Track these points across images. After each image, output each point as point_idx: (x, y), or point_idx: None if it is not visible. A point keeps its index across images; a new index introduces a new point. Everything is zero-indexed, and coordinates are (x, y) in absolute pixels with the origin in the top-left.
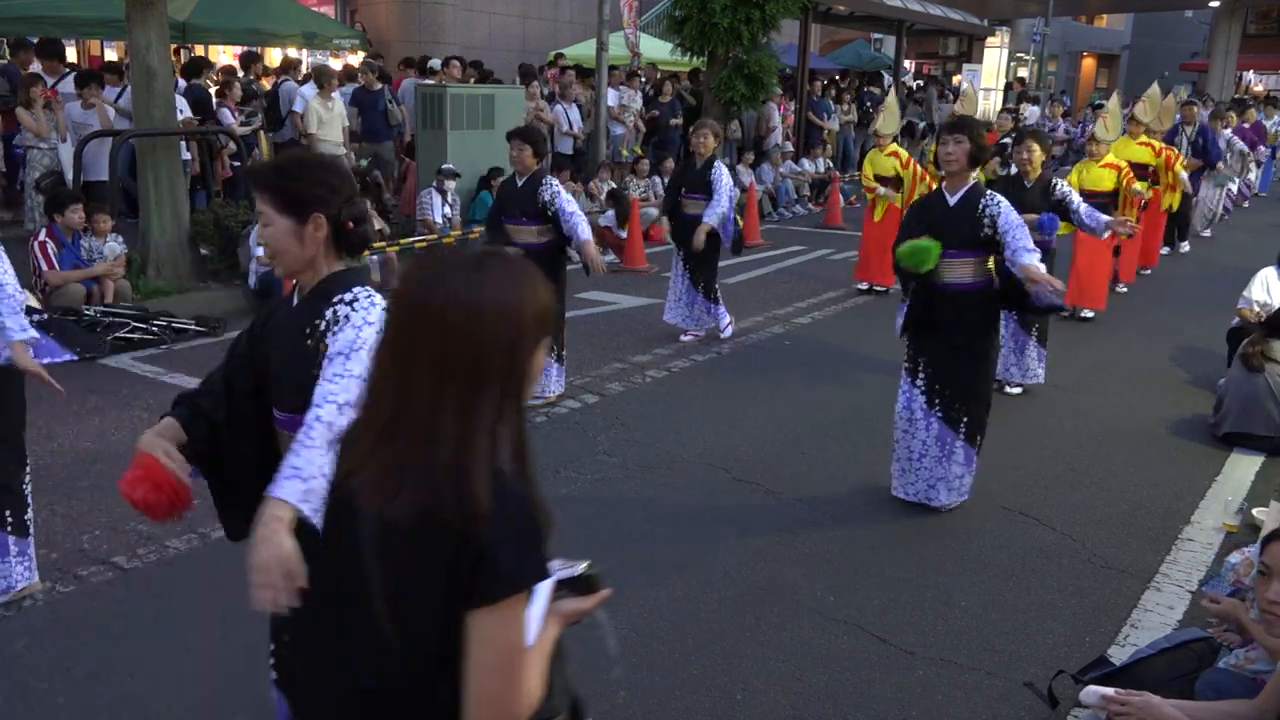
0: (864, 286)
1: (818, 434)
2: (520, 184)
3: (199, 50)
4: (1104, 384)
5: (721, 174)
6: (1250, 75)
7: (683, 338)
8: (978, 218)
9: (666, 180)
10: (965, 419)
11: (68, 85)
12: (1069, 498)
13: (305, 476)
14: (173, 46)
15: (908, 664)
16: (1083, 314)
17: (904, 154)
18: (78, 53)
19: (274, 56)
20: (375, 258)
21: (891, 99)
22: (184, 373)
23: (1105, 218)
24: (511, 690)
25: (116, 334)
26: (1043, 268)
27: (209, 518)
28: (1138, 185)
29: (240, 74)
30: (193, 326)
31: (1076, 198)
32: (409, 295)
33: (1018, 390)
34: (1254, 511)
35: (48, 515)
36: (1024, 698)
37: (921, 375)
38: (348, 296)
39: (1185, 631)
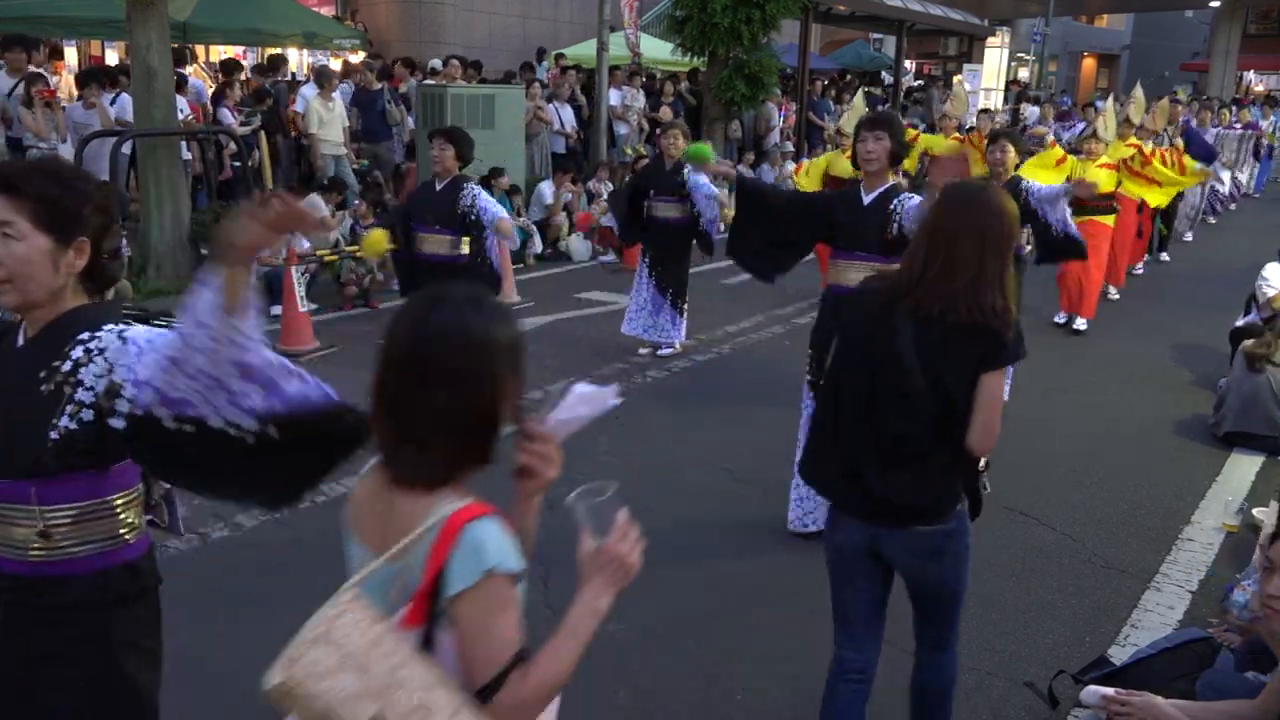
0: None
1: None
2: (439, 188)
3: (200, 51)
4: (1104, 384)
5: (698, 177)
6: (1250, 75)
7: (641, 351)
8: (888, 217)
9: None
10: None
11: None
12: (1069, 498)
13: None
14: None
15: (908, 664)
16: (1076, 325)
17: None
18: (78, 53)
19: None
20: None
21: (859, 99)
22: None
23: (1060, 193)
24: (998, 418)
25: None
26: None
27: (209, 517)
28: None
29: (270, 75)
30: None
31: (1039, 197)
32: (959, 209)
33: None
34: (1254, 511)
35: None
36: (1024, 698)
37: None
38: (90, 341)
39: (1185, 631)
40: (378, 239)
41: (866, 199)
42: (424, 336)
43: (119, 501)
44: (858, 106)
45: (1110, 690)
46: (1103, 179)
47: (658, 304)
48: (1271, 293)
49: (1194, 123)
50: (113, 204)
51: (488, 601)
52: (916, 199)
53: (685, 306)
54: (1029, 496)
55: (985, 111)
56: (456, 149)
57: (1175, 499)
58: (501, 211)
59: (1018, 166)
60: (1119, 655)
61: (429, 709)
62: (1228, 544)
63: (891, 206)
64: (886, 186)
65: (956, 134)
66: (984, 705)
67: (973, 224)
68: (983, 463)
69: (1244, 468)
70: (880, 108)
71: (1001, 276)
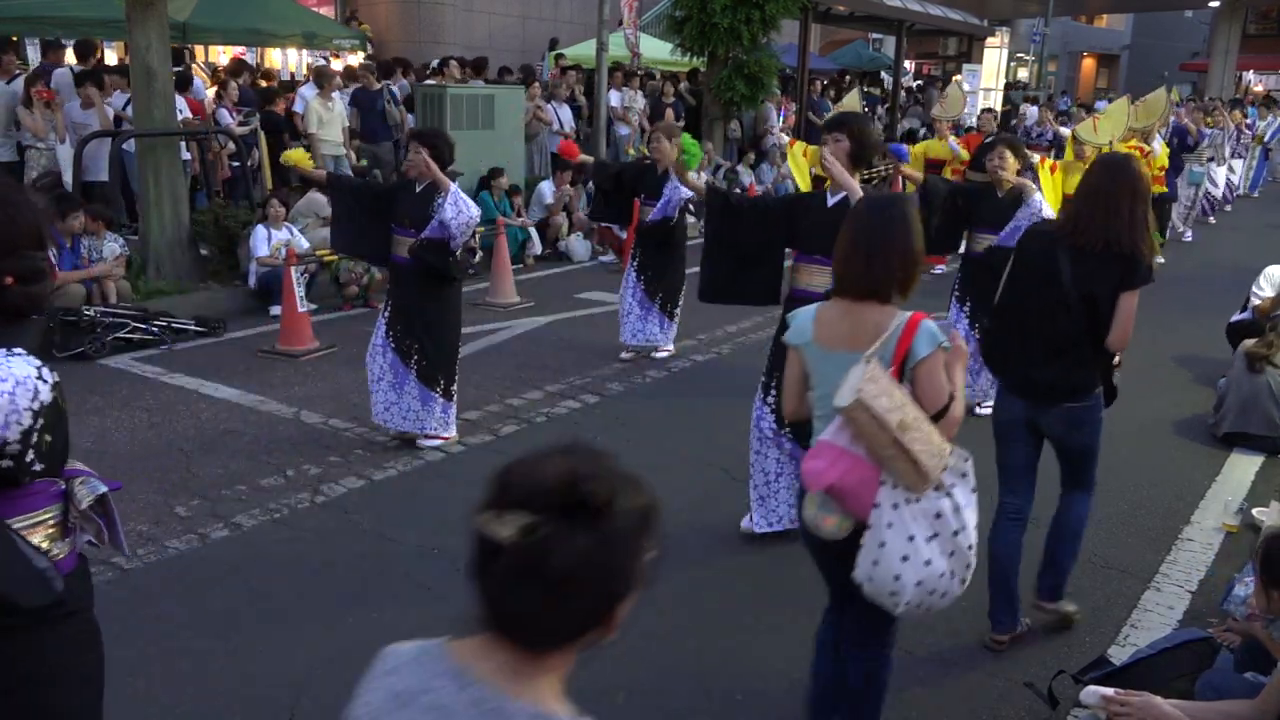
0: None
1: None
2: (418, 190)
3: (200, 51)
4: None
5: (674, 183)
6: (1250, 75)
7: (623, 355)
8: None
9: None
10: None
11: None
12: None
13: None
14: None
15: (908, 664)
16: None
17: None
18: (78, 53)
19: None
20: None
21: (853, 95)
22: (184, 373)
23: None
24: (1132, 325)
25: (116, 334)
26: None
27: (209, 517)
28: None
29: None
30: (192, 327)
31: (1031, 213)
32: (1113, 173)
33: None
34: (1254, 511)
35: None
36: (1024, 698)
37: (773, 392)
38: None
39: (1185, 631)
40: (297, 155)
41: (830, 201)
42: (885, 212)
43: (16, 525)
44: (850, 102)
45: (1110, 690)
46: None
47: (646, 308)
48: (1258, 300)
49: (1186, 122)
50: (12, 228)
51: (937, 363)
52: None
53: (677, 311)
54: None
55: (988, 111)
56: (432, 151)
57: (1175, 499)
58: (474, 212)
59: (1020, 173)
60: (1119, 655)
61: (921, 419)
62: (1228, 544)
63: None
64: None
65: (953, 135)
66: (984, 705)
67: (1125, 184)
68: (1116, 359)
69: (1244, 468)
70: (879, 108)
71: (1146, 220)
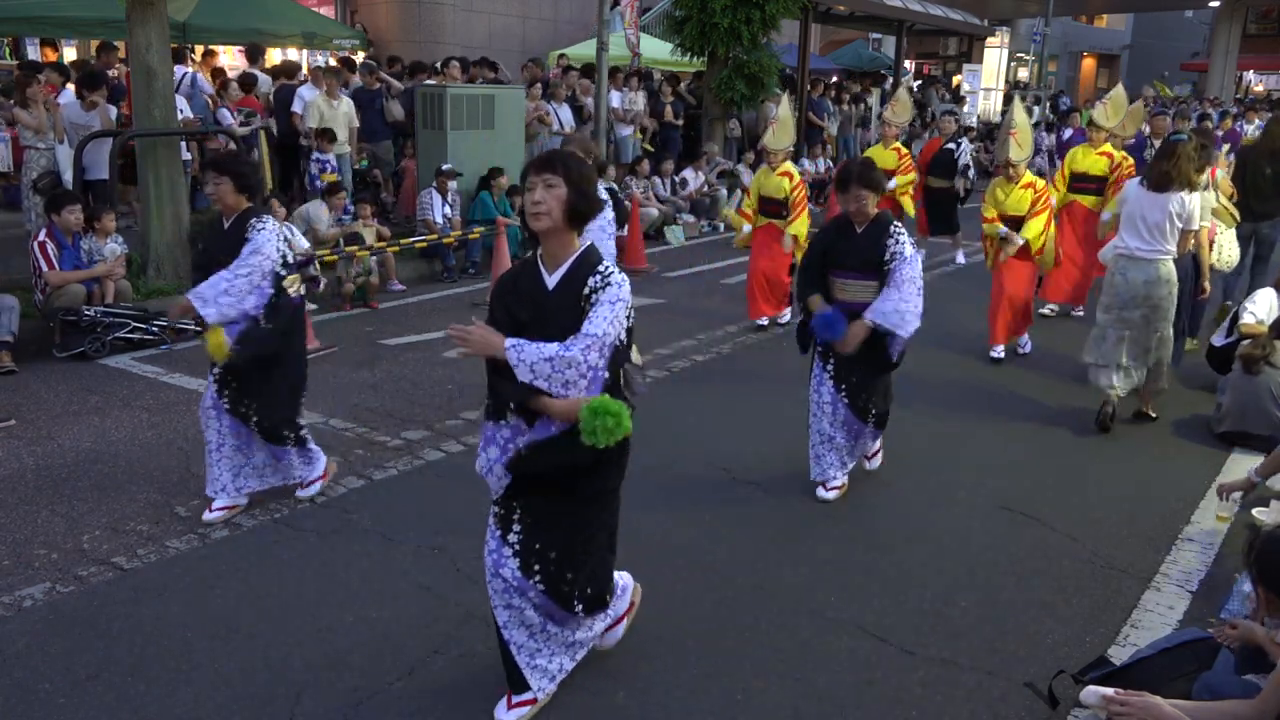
0: (764, 322)
1: None
2: (227, 225)
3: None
4: None
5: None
6: (1250, 75)
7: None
8: (580, 305)
9: (669, 181)
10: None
11: (67, 94)
12: (1069, 498)
13: None
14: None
15: (908, 664)
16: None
17: (796, 174)
18: (78, 53)
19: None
20: (374, 258)
21: (785, 110)
22: (184, 373)
23: (905, 326)
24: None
25: (116, 334)
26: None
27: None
28: (999, 226)
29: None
30: (193, 327)
31: (902, 266)
32: (1272, 129)
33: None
34: (1254, 511)
35: (48, 515)
36: (1024, 698)
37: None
38: None
39: (1185, 631)
40: (217, 344)
41: (550, 279)
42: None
43: None
44: (784, 121)
45: (1110, 690)
46: (1024, 201)
47: None
48: (1252, 320)
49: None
50: None
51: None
52: (618, 284)
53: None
54: (1029, 496)
55: (950, 113)
56: (235, 181)
57: (1175, 499)
58: (273, 254)
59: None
60: (1119, 655)
61: None
62: (1228, 544)
63: (586, 288)
64: (575, 257)
65: (897, 144)
66: (984, 705)
67: None
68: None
69: (1244, 468)
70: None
71: None
